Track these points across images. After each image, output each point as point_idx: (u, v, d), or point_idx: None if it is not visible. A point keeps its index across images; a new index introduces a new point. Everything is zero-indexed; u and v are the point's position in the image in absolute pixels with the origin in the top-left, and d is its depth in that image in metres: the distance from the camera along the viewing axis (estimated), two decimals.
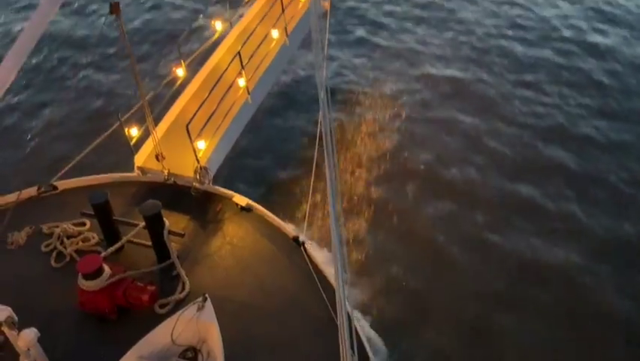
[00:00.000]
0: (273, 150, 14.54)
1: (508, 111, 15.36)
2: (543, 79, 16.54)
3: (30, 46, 4.94)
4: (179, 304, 7.48)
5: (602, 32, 18.60)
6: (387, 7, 20.45)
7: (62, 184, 9.58)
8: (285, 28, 11.80)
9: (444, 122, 15.08)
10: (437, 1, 20.46)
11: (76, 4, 21.20)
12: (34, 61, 17.98)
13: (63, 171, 9.63)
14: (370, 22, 19.71)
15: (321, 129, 4.52)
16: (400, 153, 14.12)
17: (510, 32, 18.74)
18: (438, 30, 19.00)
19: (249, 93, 10.63)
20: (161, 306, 7.60)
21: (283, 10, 11.60)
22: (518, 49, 17.90)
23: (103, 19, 19.88)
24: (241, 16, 13.15)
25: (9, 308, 5.77)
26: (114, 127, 9.77)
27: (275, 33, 11.67)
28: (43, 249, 8.52)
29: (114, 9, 7.69)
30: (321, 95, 4.12)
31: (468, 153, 14.08)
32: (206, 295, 6.82)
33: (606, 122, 14.89)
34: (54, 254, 8.40)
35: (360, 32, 19.15)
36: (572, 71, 16.79)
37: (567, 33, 18.56)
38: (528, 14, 19.73)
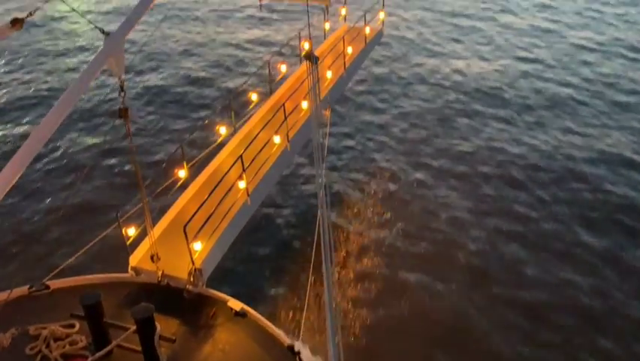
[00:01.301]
0: (270, 253, 14.47)
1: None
2: (546, 299, 13.23)
3: (36, 149, 5.08)
4: None
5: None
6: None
7: (54, 284, 9.41)
8: (287, 134, 12.18)
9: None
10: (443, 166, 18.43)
11: (85, 104, 22.05)
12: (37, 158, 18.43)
13: (56, 271, 9.52)
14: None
15: (319, 236, 4.53)
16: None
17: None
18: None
19: (248, 195, 10.76)
20: None
21: (286, 118, 12.04)
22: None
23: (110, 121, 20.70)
24: (245, 121, 13.63)
25: None
26: (112, 227, 9.79)
27: (277, 139, 12.04)
28: (27, 352, 8.17)
29: (123, 113, 7.96)
30: (320, 203, 4.17)
31: None
32: None
33: None
34: (38, 358, 8.04)
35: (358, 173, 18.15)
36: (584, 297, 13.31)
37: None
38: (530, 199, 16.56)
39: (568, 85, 23.00)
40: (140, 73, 25.36)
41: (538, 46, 26.94)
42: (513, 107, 21.57)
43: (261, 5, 16.03)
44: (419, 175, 17.60)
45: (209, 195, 9.97)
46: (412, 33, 29.04)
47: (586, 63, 24.96)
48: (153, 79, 25.00)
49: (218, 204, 9.94)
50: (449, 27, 29.68)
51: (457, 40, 28.04)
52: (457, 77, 24.07)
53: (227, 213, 10.21)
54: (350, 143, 19.57)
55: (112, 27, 6.60)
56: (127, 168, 17.79)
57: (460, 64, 25.26)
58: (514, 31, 28.83)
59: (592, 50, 26.21)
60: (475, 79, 23.85)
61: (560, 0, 32.82)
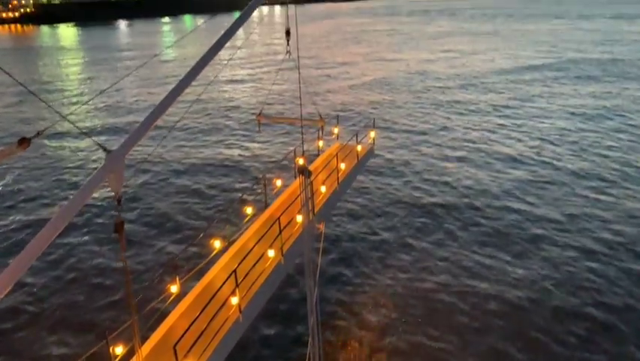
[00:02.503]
0: None
1: None
2: None
3: (31, 261, 5.09)
4: None
5: None
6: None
7: None
8: (281, 248, 12.16)
9: None
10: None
11: (82, 217, 22.19)
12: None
13: None
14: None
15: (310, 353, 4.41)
16: None
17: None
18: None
19: (240, 311, 10.52)
20: None
21: (280, 231, 12.09)
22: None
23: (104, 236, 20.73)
24: (239, 235, 13.65)
25: None
26: (98, 346, 9.45)
27: (271, 252, 12.00)
28: None
29: (118, 228, 8.01)
30: (311, 321, 4.11)
31: None
32: None
33: None
34: None
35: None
36: None
37: None
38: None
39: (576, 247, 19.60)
40: (136, 187, 25.86)
41: (532, 193, 24.45)
42: (502, 253, 19.30)
43: (259, 125, 16.80)
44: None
45: (200, 312, 9.75)
46: (398, 159, 29.55)
47: (580, 197, 23.48)
48: (150, 192, 25.44)
49: (210, 321, 9.69)
50: (439, 158, 29.45)
51: (445, 173, 27.10)
52: (441, 211, 22.68)
53: (218, 330, 9.92)
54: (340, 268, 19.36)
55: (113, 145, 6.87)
56: (118, 281, 17.51)
57: (447, 198, 24.04)
58: (502, 160, 28.60)
59: (590, 200, 23.55)
60: (461, 218, 22.23)
61: (557, 136, 32.67)
